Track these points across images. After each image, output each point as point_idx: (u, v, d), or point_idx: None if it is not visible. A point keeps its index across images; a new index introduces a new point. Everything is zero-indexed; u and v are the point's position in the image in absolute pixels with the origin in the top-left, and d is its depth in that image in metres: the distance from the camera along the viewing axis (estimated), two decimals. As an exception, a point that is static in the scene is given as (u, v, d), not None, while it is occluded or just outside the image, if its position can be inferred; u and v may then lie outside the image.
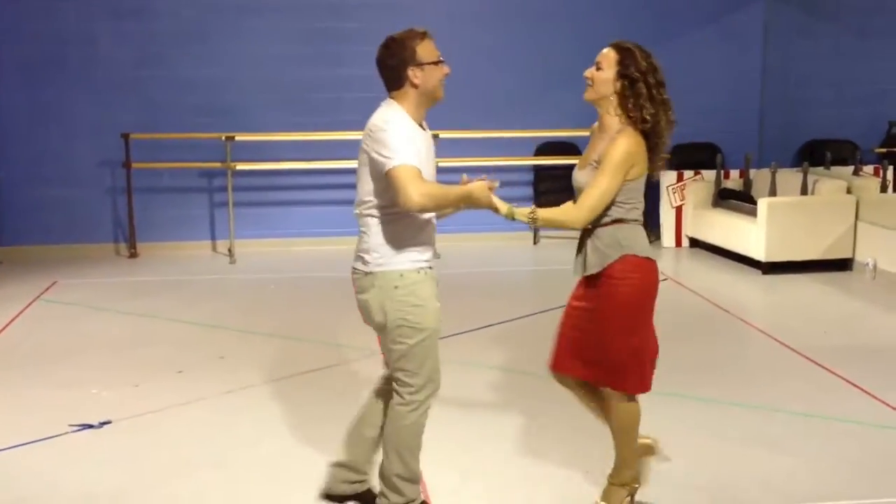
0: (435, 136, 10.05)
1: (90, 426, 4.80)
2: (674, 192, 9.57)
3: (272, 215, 9.66)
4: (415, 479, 3.68)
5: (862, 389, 5.34)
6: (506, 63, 9.68)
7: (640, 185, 3.59)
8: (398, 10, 9.54)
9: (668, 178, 9.60)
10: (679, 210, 9.56)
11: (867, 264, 8.03)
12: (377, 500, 3.72)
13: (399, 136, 3.38)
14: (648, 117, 3.51)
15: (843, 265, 8.33)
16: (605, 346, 3.59)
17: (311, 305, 7.42)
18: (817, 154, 9.64)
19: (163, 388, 5.39)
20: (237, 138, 9.01)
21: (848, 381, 5.47)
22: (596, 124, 3.70)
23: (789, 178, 8.79)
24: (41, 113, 9.20)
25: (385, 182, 3.38)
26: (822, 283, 7.99)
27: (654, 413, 4.96)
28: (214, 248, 9.57)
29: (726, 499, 4.03)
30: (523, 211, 3.52)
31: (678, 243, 9.60)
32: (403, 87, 3.49)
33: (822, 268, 8.26)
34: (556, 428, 4.74)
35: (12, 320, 6.90)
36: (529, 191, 9.96)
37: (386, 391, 3.70)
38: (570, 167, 11.00)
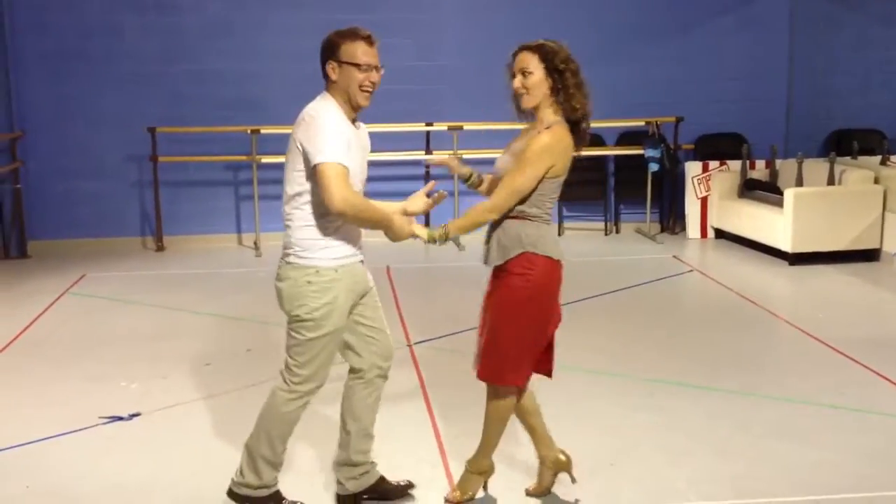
0: (458, 128, 10.09)
1: (120, 418, 4.86)
2: (699, 183, 9.52)
3: (297, 208, 9.68)
4: (276, 465, 3.73)
5: (890, 381, 5.30)
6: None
7: (557, 184, 3.55)
8: (416, 3, 9.57)
9: (693, 168, 9.56)
10: (704, 201, 9.52)
11: (894, 255, 7.96)
12: (234, 476, 3.75)
13: (329, 129, 3.38)
14: (578, 105, 3.50)
15: (870, 256, 8.27)
16: (489, 339, 3.60)
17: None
18: (844, 144, 9.57)
19: (191, 381, 5.44)
20: (263, 131, 9.06)
21: (876, 373, 5.44)
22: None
23: (816, 168, 8.72)
24: (67, 106, 9.29)
25: (308, 174, 3.41)
26: (849, 273, 7.93)
27: (679, 403, 4.99)
28: (240, 241, 9.63)
29: (751, 491, 4.02)
30: (435, 231, 3.55)
31: (703, 234, 9.56)
32: (328, 82, 3.52)
33: (849, 259, 8.21)
34: (556, 420, 4.75)
35: (42, 314, 6.98)
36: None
37: (352, 385, 3.77)
38: (591, 158, 10.85)
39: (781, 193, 8.42)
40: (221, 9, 9.37)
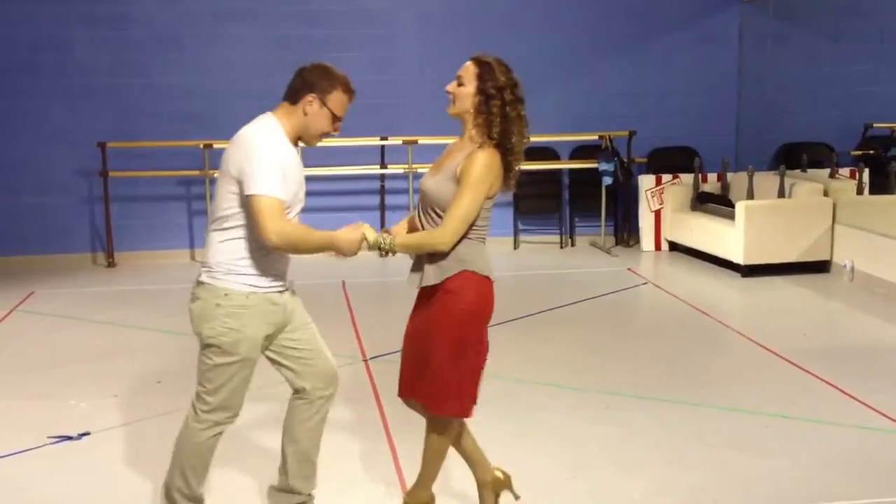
0: (413, 142, 10.02)
1: (69, 438, 4.76)
2: (652, 196, 9.61)
3: (251, 223, 9.61)
4: (195, 499, 3.61)
5: (841, 391, 5.37)
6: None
7: (490, 204, 3.46)
8: (371, 18, 9.58)
9: (646, 181, 9.65)
10: (658, 214, 9.60)
11: (845, 266, 8.08)
12: None
13: (268, 159, 3.28)
14: (496, 135, 3.39)
15: (820, 267, 8.39)
16: (434, 365, 3.44)
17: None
18: (794, 157, 9.71)
19: (143, 399, 5.35)
20: (215, 146, 8.97)
21: (827, 383, 5.50)
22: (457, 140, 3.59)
23: (766, 181, 8.84)
24: (16, 121, 9.13)
25: (243, 198, 3.31)
26: (801, 285, 8.04)
27: (633, 414, 5.01)
28: (193, 257, 9.52)
29: (705, 502, 4.03)
30: (382, 239, 3.45)
31: (657, 247, 9.64)
32: (293, 106, 3.41)
33: (800, 270, 8.31)
34: (513, 435, 4.75)
35: (-11, 332, 6.85)
36: (508, 196, 9.99)
37: (295, 405, 3.67)
38: (545, 171, 10.91)
39: (733, 206, 8.52)
40: (172, 22, 9.28)
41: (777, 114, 10.33)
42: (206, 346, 3.45)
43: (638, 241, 9.78)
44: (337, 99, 3.42)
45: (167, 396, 5.38)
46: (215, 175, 8.83)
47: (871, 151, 10.19)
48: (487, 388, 4.65)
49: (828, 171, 9.32)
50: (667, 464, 4.41)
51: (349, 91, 3.45)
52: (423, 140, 9.19)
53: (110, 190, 9.14)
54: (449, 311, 3.43)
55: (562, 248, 9.91)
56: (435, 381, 3.46)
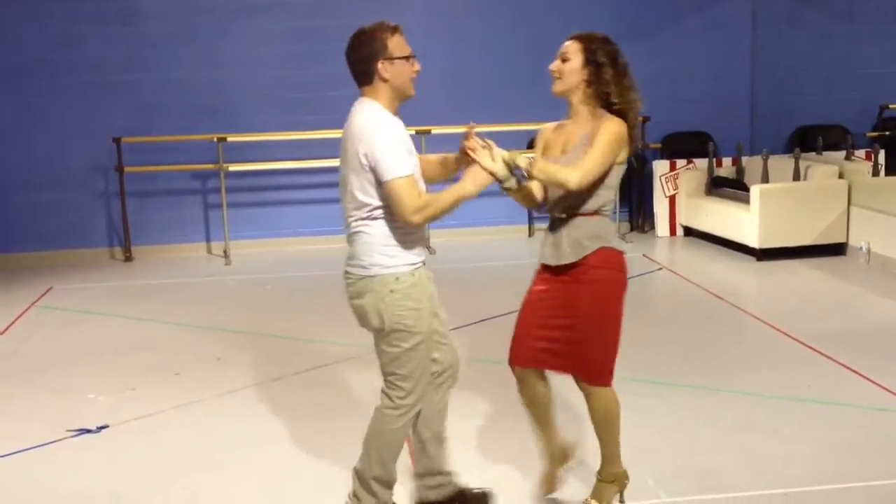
0: (426, 132, 10.01)
1: (88, 431, 4.81)
2: (667, 182, 9.58)
3: (266, 215, 9.66)
4: (390, 484, 3.64)
5: (857, 373, 5.35)
6: (493, 56, 9.68)
7: (620, 172, 3.54)
8: (385, 6, 9.52)
9: (660, 167, 9.62)
10: (672, 199, 9.58)
11: (861, 248, 8.04)
12: (347, 499, 3.66)
13: (391, 141, 3.32)
14: (616, 100, 3.47)
15: (836, 250, 8.34)
16: (593, 342, 3.57)
17: (307, 305, 7.43)
18: (809, 140, 9.65)
19: (160, 392, 5.40)
20: (229, 139, 9.01)
21: (843, 365, 5.49)
22: (559, 122, 3.68)
23: (781, 164, 8.80)
24: (30, 118, 9.20)
25: (379, 186, 3.35)
26: (817, 268, 8.00)
27: (648, 400, 5.00)
28: (209, 250, 9.57)
29: (722, 485, 4.04)
30: (523, 158, 3.44)
31: (672, 232, 9.61)
32: (373, 83, 3.41)
33: (815, 253, 8.27)
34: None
35: (8, 327, 6.90)
36: (523, 184, 9.98)
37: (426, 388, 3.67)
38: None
39: (748, 190, 8.48)
40: (184, 16, 9.31)
41: (791, 96, 10.25)
42: (389, 335, 3.46)
43: (653, 227, 9.76)
44: (393, 45, 3.41)
45: (184, 389, 5.44)
46: (230, 168, 9.02)
47: (887, 133, 10.13)
48: (502, 376, 4.67)
49: (843, 153, 9.26)
50: (680, 448, 4.41)
51: (395, 31, 3.44)
52: (436, 130, 9.19)
53: (126, 185, 9.19)
54: (600, 287, 3.53)
55: (577, 235, 9.88)
56: (600, 359, 3.63)
